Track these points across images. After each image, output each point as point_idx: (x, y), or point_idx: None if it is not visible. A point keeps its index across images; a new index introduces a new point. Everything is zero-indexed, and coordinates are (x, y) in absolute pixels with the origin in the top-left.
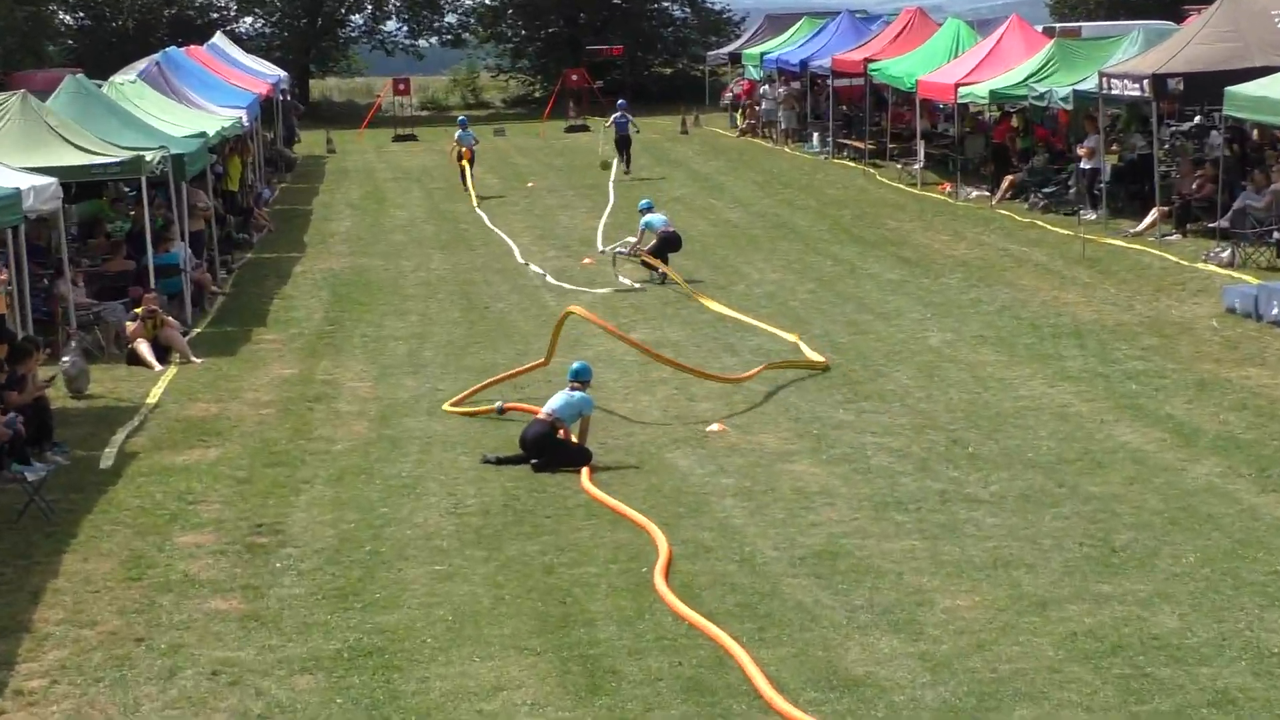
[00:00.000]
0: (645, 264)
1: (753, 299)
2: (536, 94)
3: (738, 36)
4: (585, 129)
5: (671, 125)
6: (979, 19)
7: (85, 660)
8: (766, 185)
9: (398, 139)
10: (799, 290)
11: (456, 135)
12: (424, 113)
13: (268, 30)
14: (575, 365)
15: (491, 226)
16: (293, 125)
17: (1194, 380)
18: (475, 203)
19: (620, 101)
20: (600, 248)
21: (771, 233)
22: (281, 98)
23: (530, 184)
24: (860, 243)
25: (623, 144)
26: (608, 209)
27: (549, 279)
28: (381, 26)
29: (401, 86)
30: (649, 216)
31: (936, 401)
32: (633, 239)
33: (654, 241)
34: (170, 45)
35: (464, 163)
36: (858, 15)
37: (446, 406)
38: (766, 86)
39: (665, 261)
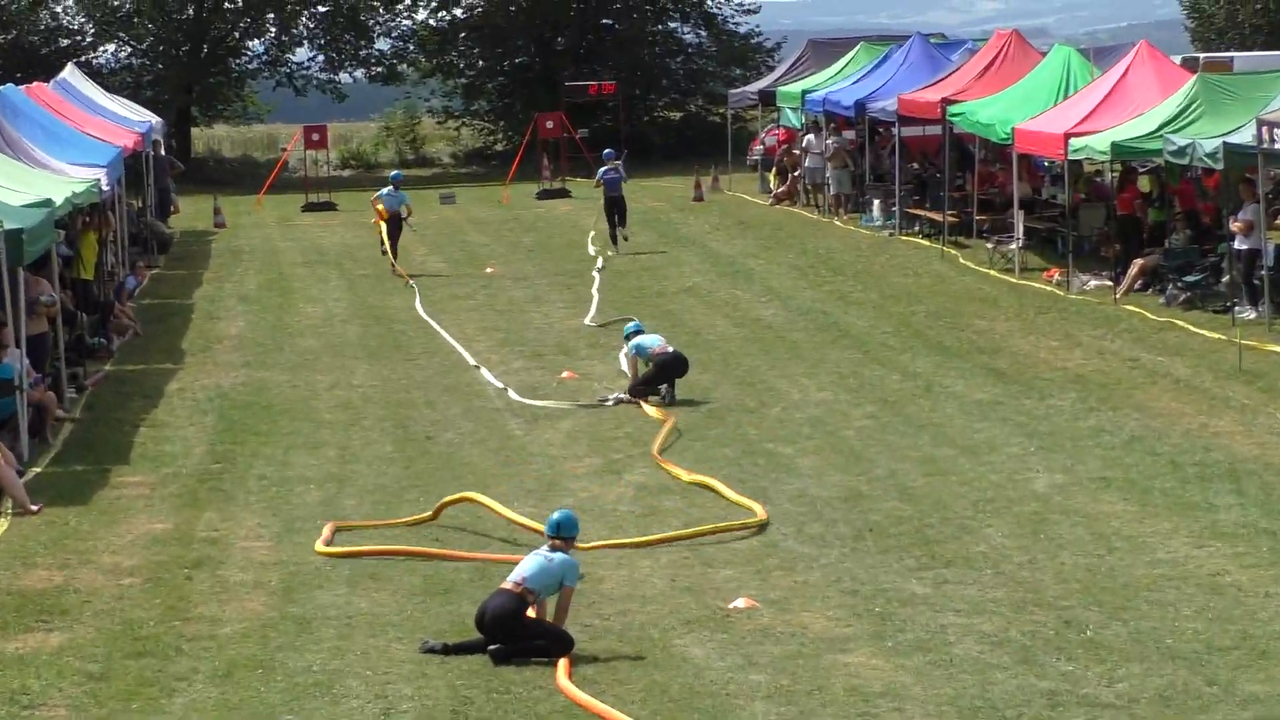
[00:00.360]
0: (639, 403)
1: (792, 426)
2: (498, 146)
3: (770, 69)
4: (565, 194)
5: (682, 189)
6: (1095, 45)
7: None
8: (811, 271)
9: (310, 208)
10: (855, 415)
11: (380, 193)
12: (345, 172)
13: (135, 62)
14: (555, 516)
15: (436, 327)
16: (168, 190)
17: None
18: (402, 276)
19: (608, 151)
20: (589, 320)
21: (818, 336)
22: (154, 153)
23: (489, 269)
24: (938, 350)
25: (615, 207)
26: (591, 310)
27: (512, 395)
28: (289, 55)
29: (316, 137)
30: (639, 340)
31: (1043, 568)
32: (625, 366)
33: (650, 371)
34: (4, 82)
35: (380, 223)
36: (932, 40)
37: (319, 548)
38: (811, 137)
39: (660, 387)
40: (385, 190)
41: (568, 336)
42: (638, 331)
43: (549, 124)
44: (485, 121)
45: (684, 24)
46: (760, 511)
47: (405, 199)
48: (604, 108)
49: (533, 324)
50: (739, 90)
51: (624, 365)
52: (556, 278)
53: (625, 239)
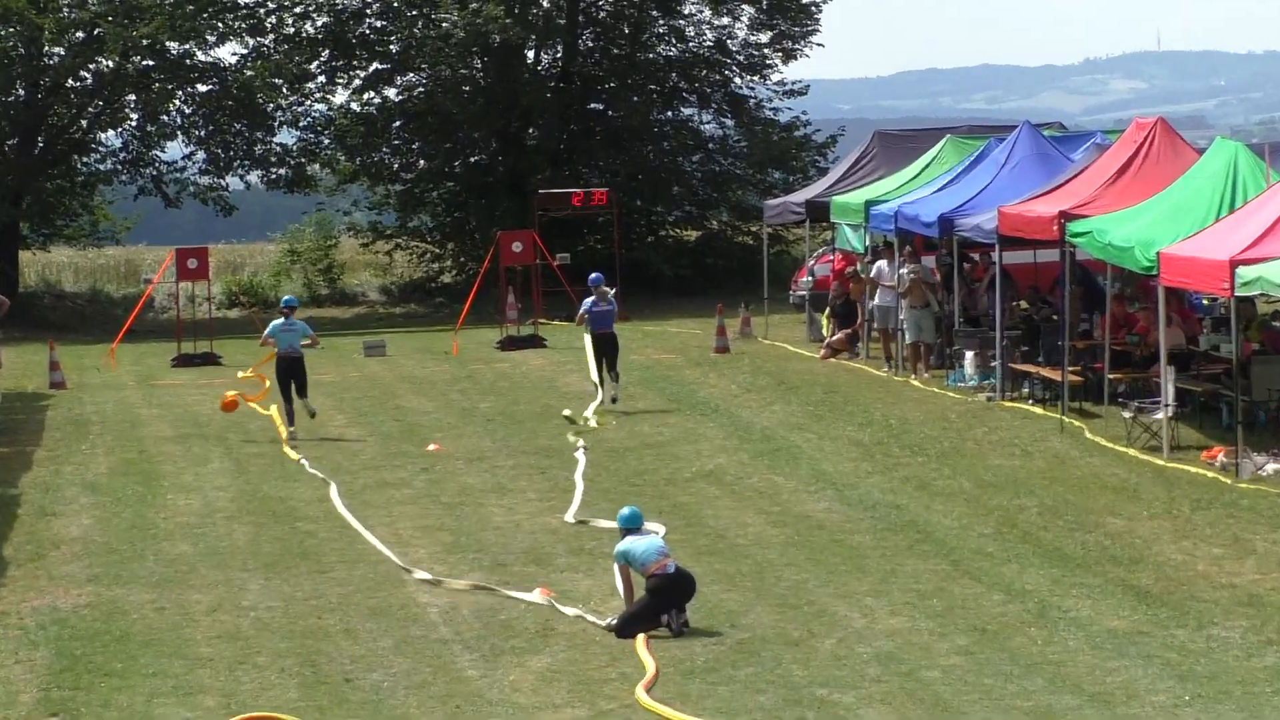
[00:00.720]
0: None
1: (853, 664)
2: (445, 278)
3: (822, 171)
4: (537, 343)
5: (700, 336)
6: (1272, 141)
7: None
8: (878, 450)
9: (183, 362)
10: (940, 649)
11: (271, 327)
12: (233, 312)
13: None
14: (625, 512)
15: (359, 527)
16: None
17: None
18: (286, 441)
19: (595, 276)
20: (569, 517)
21: (888, 539)
22: None
23: (433, 446)
24: (1056, 559)
25: (605, 350)
26: (574, 504)
27: (463, 615)
28: (156, 152)
29: (193, 264)
30: (629, 543)
31: None
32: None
33: (642, 601)
34: None
35: (255, 373)
36: (1047, 133)
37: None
38: (882, 265)
39: (658, 618)
40: (276, 323)
41: (541, 540)
42: (631, 528)
43: (516, 246)
44: (428, 243)
45: (703, 110)
46: None
47: (304, 330)
48: (592, 225)
49: (492, 522)
50: (779, 201)
51: (617, 580)
52: (525, 458)
53: (614, 399)
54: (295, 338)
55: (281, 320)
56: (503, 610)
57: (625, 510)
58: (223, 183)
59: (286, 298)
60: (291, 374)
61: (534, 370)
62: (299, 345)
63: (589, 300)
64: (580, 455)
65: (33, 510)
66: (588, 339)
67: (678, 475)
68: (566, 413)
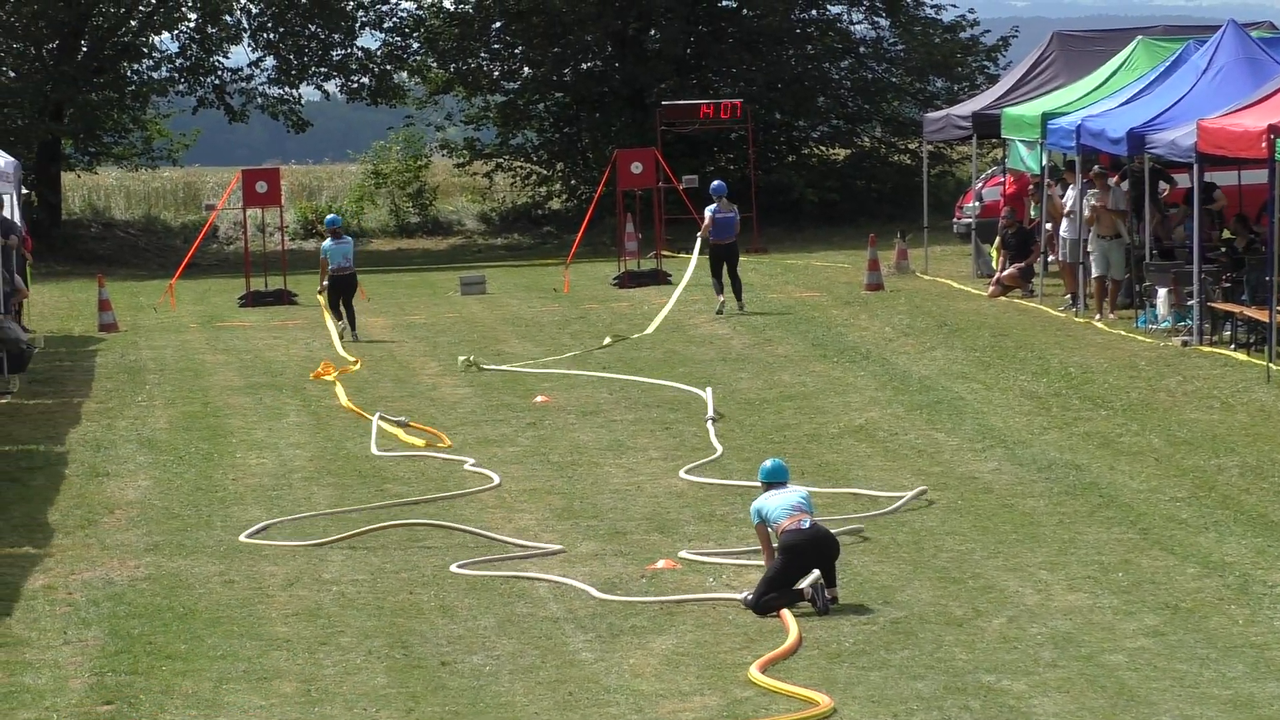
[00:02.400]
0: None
1: (1025, 646)
2: (554, 204)
3: (992, 79)
4: (661, 278)
5: (849, 271)
6: None
7: None
8: (1055, 402)
9: (253, 300)
10: (1126, 630)
11: (324, 248)
12: (309, 243)
13: None
14: (768, 464)
15: (456, 491)
16: (19, 272)
17: None
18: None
19: (718, 184)
20: (685, 472)
21: (1066, 504)
22: (8, 217)
23: (540, 398)
24: (1260, 527)
25: (725, 258)
26: (707, 460)
27: (594, 594)
28: (218, 59)
29: (262, 188)
30: (763, 500)
31: None
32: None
33: (777, 563)
34: None
35: (320, 296)
36: (1256, 34)
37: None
38: (1072, 189)
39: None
40: (326, 243)
41: (665, 504)
42: (773, 481)
43: (635, 167)
44: (533, 164)
45: (852, 8)
46: None
47: (348, 247)
48: (723, 142)
49: (609, 484)
50: (940, 114)
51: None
52: (647, 411)
53: (741, 308)
54: (348, 249)
55: (331, 240)
56: (621, 584)
57: (768, 462)
58: (295, 94)
59: (330, 217)
60: (347, 289)
61: (657, 310)
62: (351, 259)
63: (711, 207)
64: (711, 417)
65: (83, 471)
66: (697, 250)
67: (823, 431)
68: (463, 359)
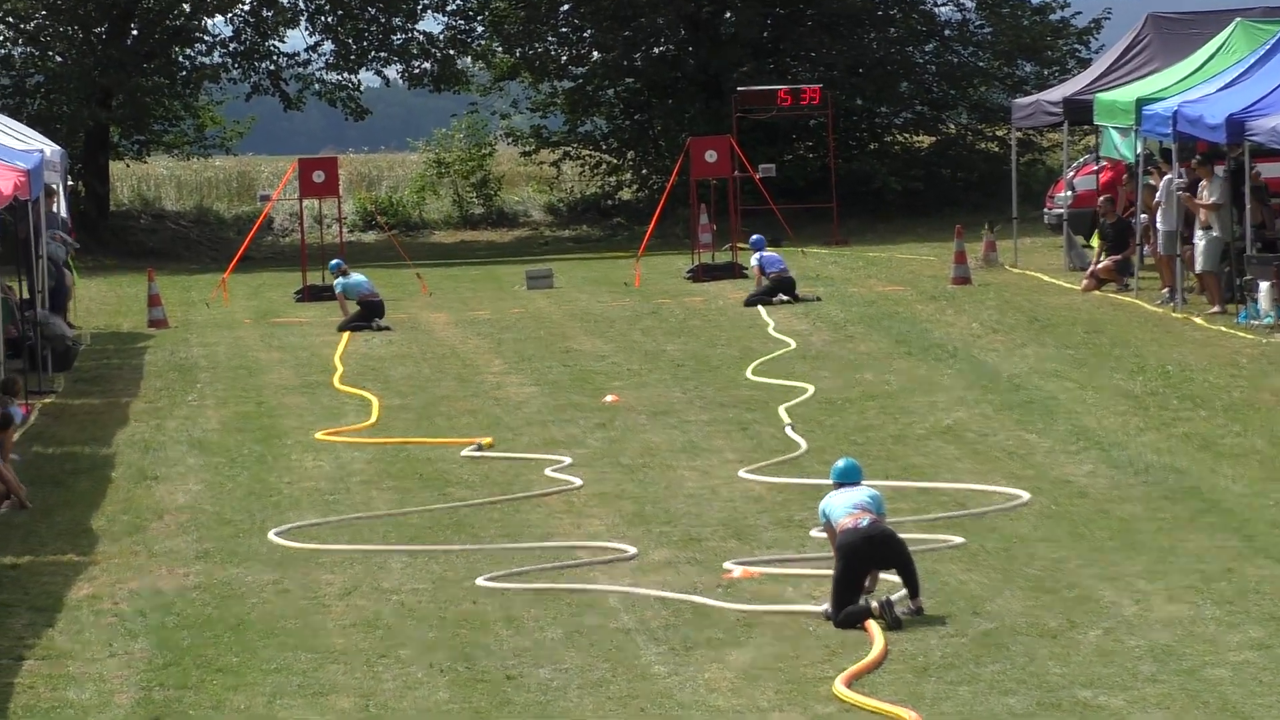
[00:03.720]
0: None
1: (1123, 660)
2: (624, 194)
3: (1084, 63)
4: (736, 272)
5: (935, 264)
6: None
7: None
8: (1153, 402)
9: (311, 295)
10: (1229, 643)
11: (338, 286)
12: (369, 236)
13: (18, 53)
14: (840, 464)
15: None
16: (63, 264)
17: None
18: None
19: (757, 238)
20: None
21: (1166, 510)
22: (49, 204)
23: (610, 397)
24: None
25: (783, 288)
26: (783, 459)
27: (649, 601)
28: (273, 43)
29: (320, 177)
30: (831, 497)
31: None
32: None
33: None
34: None
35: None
36: None
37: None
38: (1172, 179)
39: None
40: (340, 280)
41: (742, 508)
42: (844, 481)
43: (710, 156)
44: (603, 153)
45: None
46: None
47: (368, 285)
48: (802, 129)
49: (683, 488)
50: (1030, 100)
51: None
52: (723, 411)
53: (809, 299)
54: (366, 282)
55: (341, 278)
56: (697, 591)
57: (840, 461)
58: (354, 79)
59: (332, 262)
60: (375, 314)
61: (733, 305)
62: (371, 292)
63: (759, 255)
64: (788, 423)
65: (130, 474)
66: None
67: (908, 432)
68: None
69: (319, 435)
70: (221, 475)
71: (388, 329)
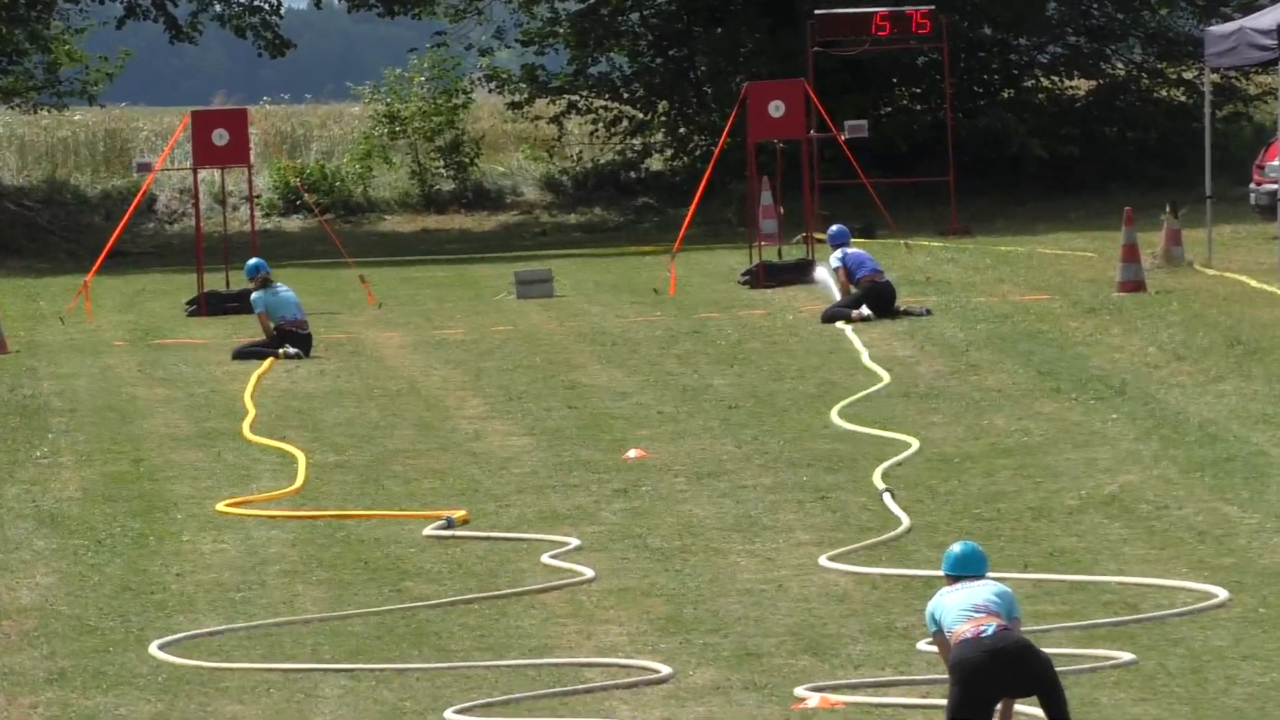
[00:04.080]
0: None
1: None
2: (651, 163)
3: None
4: (803, 271)
5: (1093, 258)
6: None
7: None
8: None
9: (205, 306)
10: None
11: (257, 301)
12: (290, 220)
13: None
14: (958, 549)
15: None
16: None
17: None
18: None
19: (838, 229)
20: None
21: None
22: None
23: (634, 452)
24: None
25: (880, 300)
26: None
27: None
28: None
29: (222, 137)
30: (944, 595)
31: None
32: None
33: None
34: None
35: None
36: None
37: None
38: None
39: None
40: (259, 294)
41: (820, 611)
42: (960, 575)
43: (775, 108)
44: (624, 103)
45: None
46: None
47: (294, 301)
48: (906, 70)
49: (736, 580)
50: (1231, 27)
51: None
52: (792, 472)
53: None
54: (294, 302)
55: (261, 290)
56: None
57: (956, 547)
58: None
59: (253, 261)
60: (295, 346)
61: (807, 321)
62: (295, 313)
63: (839, 252)
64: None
65: None
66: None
67: (1054, 502)
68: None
69: (220, 506)
70: (83, 564)
71: (299, 356)
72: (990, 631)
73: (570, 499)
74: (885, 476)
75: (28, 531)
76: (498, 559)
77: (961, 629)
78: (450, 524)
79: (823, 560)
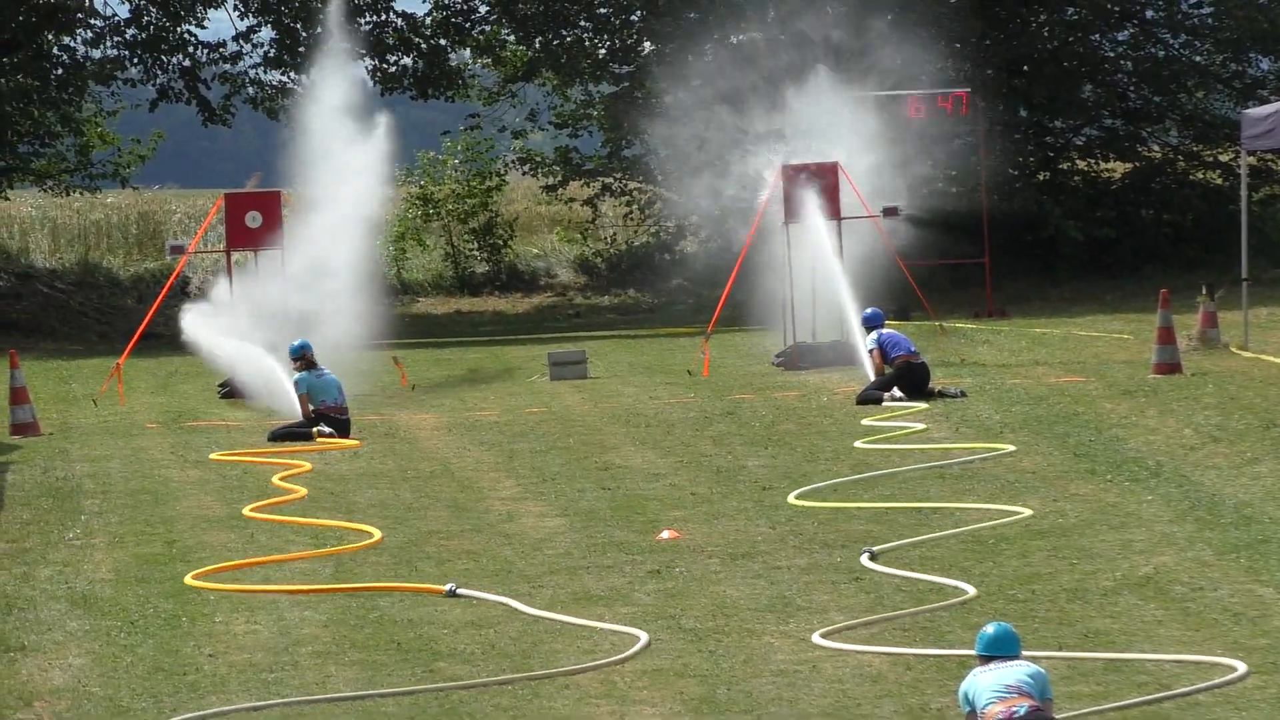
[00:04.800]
0: None
1: None
2: (686, 245)
3: None
4: (845, 356)
5: (1129, 340)
6: None
7: None
8: None
9: (237, 389)
10: None
11: (299, 383)
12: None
13: None
14: (991, 631)
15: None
16: None
17: None
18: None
19: (873, 312)
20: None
21: None
22: None
23: (667, 533)
24: None
25: (914, 378)
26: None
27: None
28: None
29: (255, 219)
30: (976, 676)
31: None
32: None
33: None
34: None
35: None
36: None
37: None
38: None
39: None
40: (302, 375)
41: (856, 693)
42: (993, 655)
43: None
44: (658, 185)
45: None
46: None
47: (336, 383)
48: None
49: (771, 662)
50: (1269, 110)
51: None
52: (826, 553)
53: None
54: (337, 385)
55: (306, 372)
56: None
57: (990, 628)
58: (303, 81)
59: (295, 343)
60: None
61: (840, 402)
62: (338, 397)
63: (876, 333)
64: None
65: None
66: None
67: (1089, 584)
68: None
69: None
70: (116, 645)
71: (333, 434)
72: (1023, 712)
73: (604, 580)
74: (923, 560)
75: (60, 613)
76: (531, 640)
77: (994, 710)
78: (453, 593)
79: (816, 637)
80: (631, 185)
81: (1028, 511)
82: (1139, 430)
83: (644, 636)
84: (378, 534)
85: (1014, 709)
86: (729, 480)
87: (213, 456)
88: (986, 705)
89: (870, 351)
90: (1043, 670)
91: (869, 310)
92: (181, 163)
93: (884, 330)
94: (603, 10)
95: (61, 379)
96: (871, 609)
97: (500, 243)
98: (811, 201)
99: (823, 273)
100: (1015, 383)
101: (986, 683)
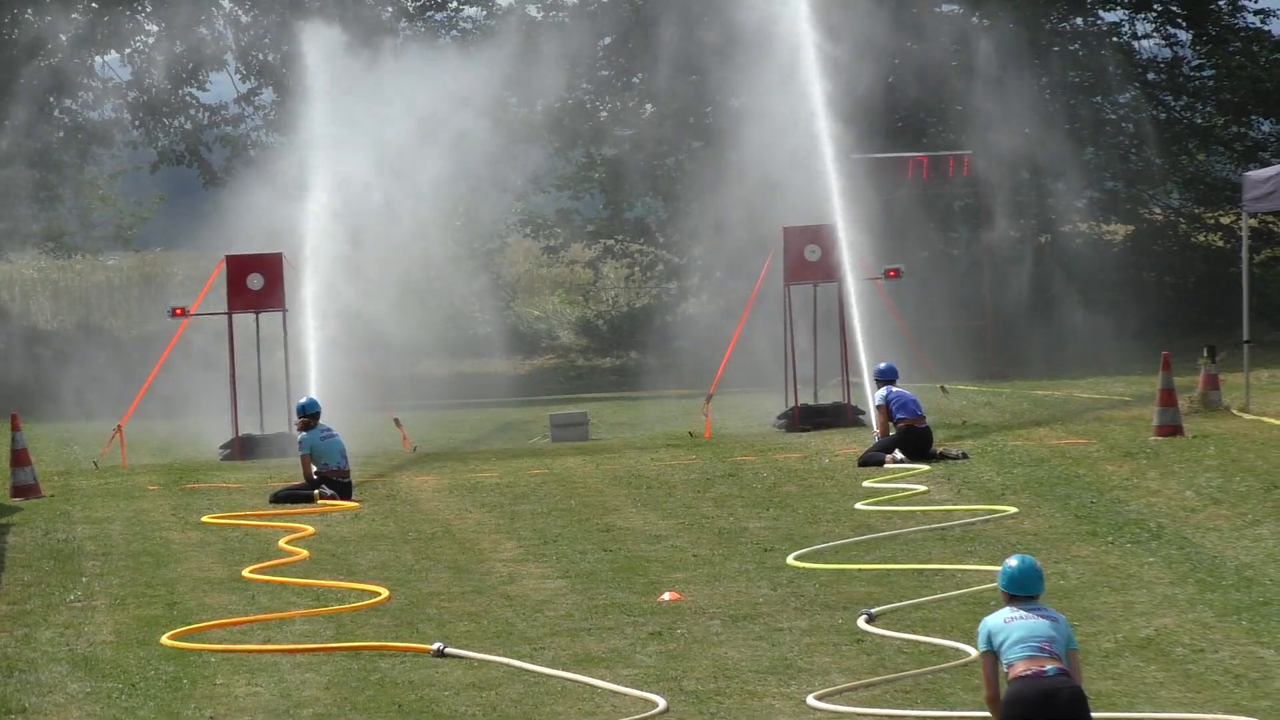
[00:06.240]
0: None
1: None
2: (687, 307)
3: None
4: (848, 416)
5: (1129, 402)
6: None
7: None
8: None
9: (239, 450)
10: None
11: (303, 444)
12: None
13: None
14: (1015, 564)
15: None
16: None
17: None
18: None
19: (886, 366)
20: None
21: None
22: None
23: (668, 595)
24: None
25: (917, 441)
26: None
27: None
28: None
29: (257, 281)
30: (1000, 618)
31: None
32: None
33: None
34: None
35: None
36: None
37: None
38: None
39: None
40: (307, 435)
41: None
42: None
43: (811, 252)
44: (659, 247)
45: (1137, 17)
46: None
47: (339, 445)
48: (943, 212)
49: None
50: (1270, 172)
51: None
52: (827, 615)
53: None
54: (340, 450)
55: (313, 430)
56: None
57: (1013, 560)
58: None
59: (303, 400)
60: (344, 492)
61: (842, 464)
62: (340, 460)
63: (885, 390)
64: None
65: None
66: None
67: (1091, 645)
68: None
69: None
70: (117, 707)
71: (334, 496)
72: (1051, 673)
73: (605, 642)
74: (925, 621)
75: (61, 675)
76: (532, 702)
77: (1023, 667)
78: (441, 652)
79: (811, 700)
80: (633, 247)
81: None
82: (1140, 492)
83: (662, 702)
84: (385, 592)
85: (1044, 669)
86: (730, 542)
87: (205, 519)
88: (1014, 658)
89: (878, 407)
90: (1064, 618)
91: (883, 365)
92: (183, 225)
93: (894, 388)
94: (604, 73)
95: (62, 441)
96: (873, 670)
97: (502, 304)
98: (820, 262)
99: (838, 331)
100: (1017, 444)
101: (1015, 635)
